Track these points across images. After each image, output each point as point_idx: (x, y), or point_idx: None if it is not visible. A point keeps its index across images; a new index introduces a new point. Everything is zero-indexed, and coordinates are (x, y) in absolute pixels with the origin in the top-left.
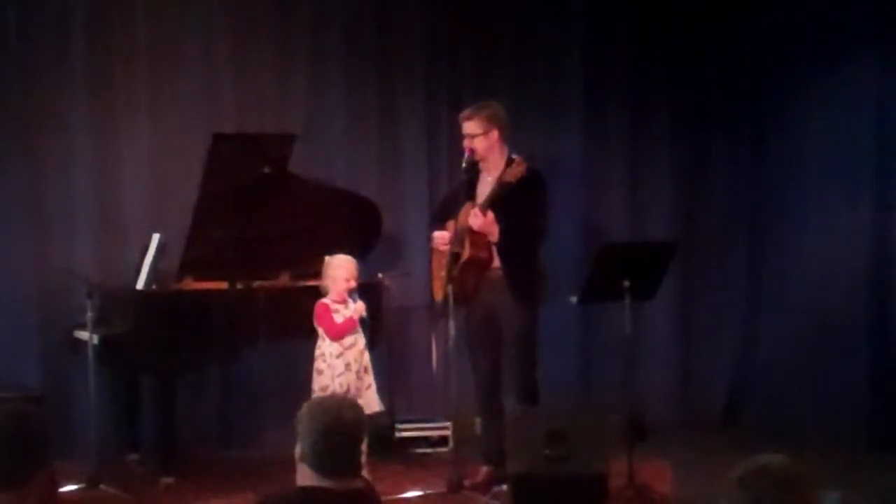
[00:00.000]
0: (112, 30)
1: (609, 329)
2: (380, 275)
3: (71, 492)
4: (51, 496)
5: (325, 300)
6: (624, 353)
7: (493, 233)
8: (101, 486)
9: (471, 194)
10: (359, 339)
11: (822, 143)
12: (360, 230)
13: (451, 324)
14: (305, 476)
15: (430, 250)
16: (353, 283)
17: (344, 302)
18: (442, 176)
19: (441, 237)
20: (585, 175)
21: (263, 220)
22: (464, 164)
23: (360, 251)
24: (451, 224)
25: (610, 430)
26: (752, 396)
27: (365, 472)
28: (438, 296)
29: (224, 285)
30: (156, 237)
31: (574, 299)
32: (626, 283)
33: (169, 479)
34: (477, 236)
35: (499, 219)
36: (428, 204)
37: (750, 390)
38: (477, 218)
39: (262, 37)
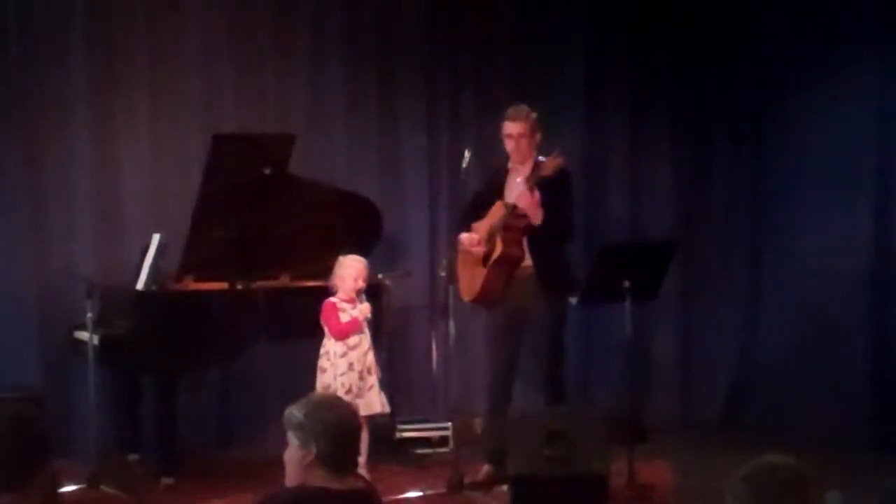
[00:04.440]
0: (112, 30)
1: (609, 329)
2: (380, 275)
3: (71, 492)
4: (52, 497)
5: (332, 299)
6: (624, 354)
7: (538, 214)
8: (102, 487)
9: (500, 194)
10: (364, 340)
11: (822, 144)
12: (361, 230)
13: (451, 324)
14: (309, 476)
15: (456, 252)
16: (361, 284)
17: (352, 302)
18: (442, 176)
19: (469, 239)
20: (585, 175)
21: (263, 220)
22: (506, 163)
23: (360, 251)
24: (477, 226)
25: (610, 430)
26: (753, 396)
27: (365, 473)
28: (465, 297)
29: (224, 286)
30: (156, 237)
31: (574, 300)
32: (627, 284)
33: (169, 480)
34: (510, 233)
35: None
36: (428, 204)
37: (750, 390)
38: (524, 196)
39: (262, 37)
